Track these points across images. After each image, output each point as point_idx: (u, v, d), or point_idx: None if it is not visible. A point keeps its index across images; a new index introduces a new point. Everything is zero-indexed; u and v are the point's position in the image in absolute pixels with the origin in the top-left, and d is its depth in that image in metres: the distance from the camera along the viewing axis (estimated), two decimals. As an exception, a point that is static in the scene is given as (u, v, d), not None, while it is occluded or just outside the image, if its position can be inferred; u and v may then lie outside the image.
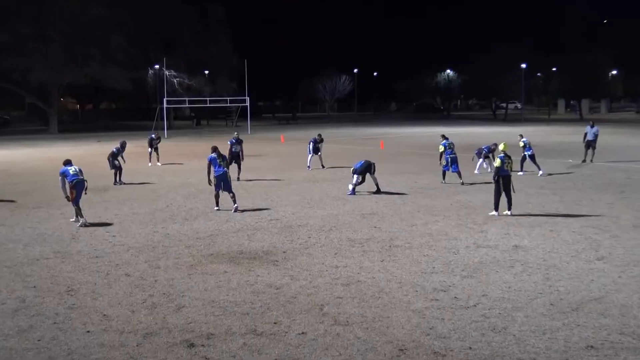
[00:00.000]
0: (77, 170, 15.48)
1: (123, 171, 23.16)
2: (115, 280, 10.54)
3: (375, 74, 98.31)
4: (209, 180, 16.99)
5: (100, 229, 14.74)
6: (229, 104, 66.04)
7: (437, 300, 9.31)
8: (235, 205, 16.67)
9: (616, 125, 59.94)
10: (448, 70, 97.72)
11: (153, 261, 11.72)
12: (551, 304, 9.05)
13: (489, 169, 23.29)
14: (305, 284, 10.21)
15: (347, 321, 8.51)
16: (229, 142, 24.51)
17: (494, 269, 10.85)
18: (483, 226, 14.37)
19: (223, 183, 16.76)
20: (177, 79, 64.42)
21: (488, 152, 24.13)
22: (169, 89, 59.99)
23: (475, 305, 9.04)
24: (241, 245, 12.86)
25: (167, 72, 61.33)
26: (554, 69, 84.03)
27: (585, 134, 27.78)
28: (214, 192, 17.06)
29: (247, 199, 18.65)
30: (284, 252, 12.29)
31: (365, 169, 19.60)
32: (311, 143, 27.25)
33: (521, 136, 25.06)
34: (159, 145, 29.83)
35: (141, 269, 11.19)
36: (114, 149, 23.24)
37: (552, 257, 11.57)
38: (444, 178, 21.34)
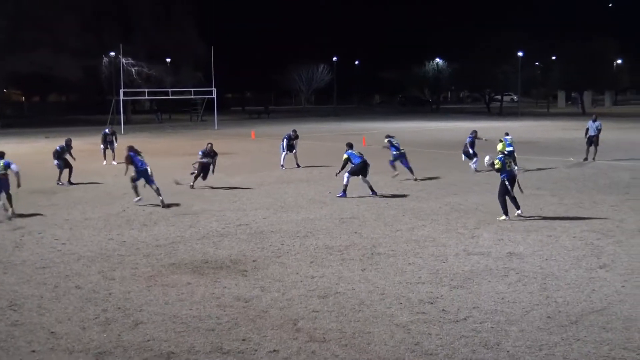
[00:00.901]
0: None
1: (73, 171, 22.98)
2: (64, 294, 10.46)
3: (357, 62, 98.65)
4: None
5: (48, 235, 14.62)
6: (193, 96, 65.80)
7: (424, 313, 9.37)
8: (161, 198, 17.93)
9: (621, 120, 60.69)
10: (437, 59, 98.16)
11: (107, 272, 11.65)
12: (548, 317, 9.14)
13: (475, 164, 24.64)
14: (277, 296, 10.21)
15: (324, 337, 8.53)
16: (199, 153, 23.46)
17: (486, 279, 10.94)
18: (474, 231, 14.48)
19: (145, 178, 18.29)
20: (136, 68, 64.07)
21: (473, 140, 25.22)
22: (126, 79, 59.61)
23: (465, 319, 9.11)
24: (206, 254, 12.83)
25: (124, 60, 60.87)
26: (553, 57, 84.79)
27: (587, 130, 28.07)
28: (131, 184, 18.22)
29: (214, 202, 18.61)
30: (254, 261, 12.28)
31: (360, 170, 19.39)
32: (285, 140, 27.24)
33: (507, 134, 25.49)
34: (114, 141, 29.64)
35: (94, 281, 11.12)
36: (58, 148, 23.16)
37: (550, 265, 11.68)
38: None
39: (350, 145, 20.26)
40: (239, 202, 18.63)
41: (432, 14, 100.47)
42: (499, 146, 16.97)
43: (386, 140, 23.69)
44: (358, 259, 12.32)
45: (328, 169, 26.06)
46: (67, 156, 23.44)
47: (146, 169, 18.22)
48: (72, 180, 22.77)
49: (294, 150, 27.28)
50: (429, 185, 21.36)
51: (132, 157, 18.43)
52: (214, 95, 59.21)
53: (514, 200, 15.64)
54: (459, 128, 51.56)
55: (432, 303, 9.78)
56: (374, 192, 19.36)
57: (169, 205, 17.83)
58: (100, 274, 11.55)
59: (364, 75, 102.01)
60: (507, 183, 15.51)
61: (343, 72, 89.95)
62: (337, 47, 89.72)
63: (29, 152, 35.72)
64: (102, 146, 29.47)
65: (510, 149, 23.50)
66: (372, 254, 12.67)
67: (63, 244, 13.84)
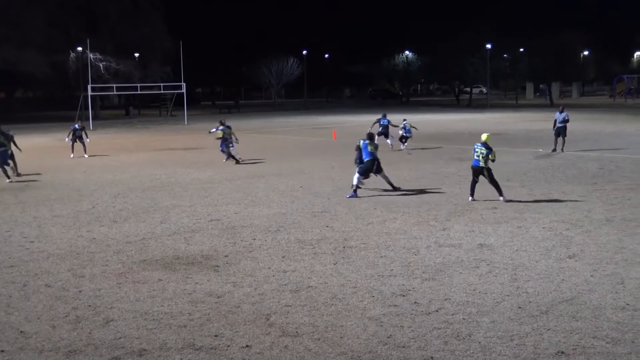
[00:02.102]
0: None
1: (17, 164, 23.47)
2: (33, 292, 10.34)
3: (326, 56, 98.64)
4: None
5: (16, 233, 14.43)
6: (162, 91, 65.32)
7: (396, 306, 9.40)
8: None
9: (589, 111, 61.40)
10: (407, 52, 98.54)
11: (77, 269, 11.53)
12: (519, 307, 9.22)
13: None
14: (249, 291, 10.18)
15: (297, 332, 8.53)
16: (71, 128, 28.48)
17: (458, 270, 11.00)
18: (445, 223, 14.56)
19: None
20: (103, 63, 63.44)
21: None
22: (94, 75, 59.02)
23: (437, 311, 9.16)
24: (177, 250, 12.76)
25: (91, 55, 60.22)
26: (521, 49, 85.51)
27: (555, 121, 28.35)
28: None
29: (184, 197, 18.51)
30: (226, 256, 12.24)
31: (369, 169, 18.42)
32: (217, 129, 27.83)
33: (404, 120, 30.85)
34: (85, 136, 29.57)
35: (63, 279, 11.00)
36: None
37: (520, 256, 11.79)
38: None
39: (370, 137, 18.88)
40: (209, 197, 18.54)
41: (401, 7, 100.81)
42: (483, 136, 17.24)
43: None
44: (330, 252, 12.32)
45: (298, 162, 26.06)
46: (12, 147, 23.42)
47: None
48: (21, 172, 23.28)
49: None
50: (400, 178, 21.41)
51: None
52: (184, 90, 58.82)
53: (495, 188, 16.85)
54: (428, 120, 51.79)
55: (404, 296, 9.81)
56: (395, 188, 18.74)
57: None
58: (70, 271, 11.43)
59: (334, 68, 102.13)
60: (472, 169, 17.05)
61: (313, 66, 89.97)
62: (306, 40, 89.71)
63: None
64: (68, 140, 29.33)
65: (407, 134, 29.77)
66: (344, 247, 12.69)
67: (32, 242, 13.68)
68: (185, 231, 14.37)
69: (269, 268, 11.38)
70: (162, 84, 62.18)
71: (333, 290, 10.12)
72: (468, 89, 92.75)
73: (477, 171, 16.87)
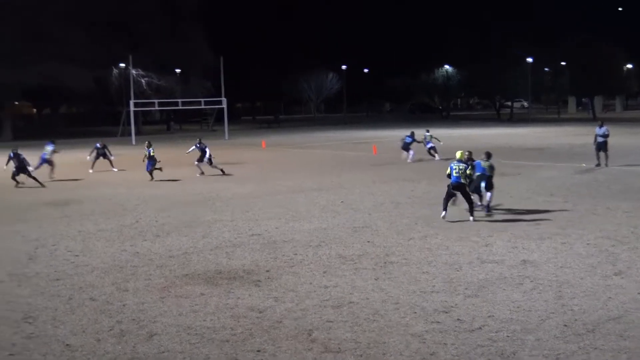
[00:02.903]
0: None
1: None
2: (78, 306, 10.48)
3: (366, 70, 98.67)
4: None
5: (61, 247, 14.66)
6: (203, 106, 65.92)
7: (439, 322, 9.33)
8: None
9: (633, 125, 60.44)
10: (446, 66, 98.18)
11: (121, 283, 11.67)
12: (565, 325, 9.09)
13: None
14: (291, 306, 10.19)
15: (339, 348, 8.51)
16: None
17: (501, 287, 10.89)
18: (488, 239, 14.43)
19: None
20: (145, 79, 64.25)
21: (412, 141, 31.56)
22: (136, 90, 59.81)
23: (480, 328, 9.07)
24: (219, 264, 12.84)
25: (133, 71, 61.11)
26: (563, 63, 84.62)
27: (596, 136, 27.95)
28: None
29: (226, 212, 18.63)
30: (267, 271, 12.28)
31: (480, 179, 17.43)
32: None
33: (427, 131, 33.31)
34: (108, 153, 30.54)
35: (107, 292, 11.14)
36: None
37: (565, 273, 11.62)
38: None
39: (488, 155, 18.04)
40: (251, 212, 18.63)
41: (440, 21, 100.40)
42: (457, 154, 17.27)
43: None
44: (371, 268, 12.29)
45: (339, 177, 26.08)
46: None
47: None
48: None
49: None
50: (438, 194, 21.27)
51: None
52: (224, 105, 59.33)
53: (469, 205, 16.63)
54: (469, 135, 51.49)
55: (446, 312, 9.74)
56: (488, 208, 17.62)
57: None
58: (114, 285, 11.57)
59: (373, 83, 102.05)
60: (451, 187, 16.72)
61: (352, 81, 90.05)
62: (346, 55, 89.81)
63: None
64: (90, 158, 30.50)
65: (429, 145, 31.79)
66: (385, 263, 12.64)
67: (76, 255, 13.88)
68: (227, 246, 14.45)
69: (311, 283, 11.39)
70: (202, 100, 62.73)
71: (375, 306, 10.08)
72: (509, 103, 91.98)
73: (458, 187, 16.66)
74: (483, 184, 17.44)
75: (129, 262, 13.17)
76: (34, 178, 25.12)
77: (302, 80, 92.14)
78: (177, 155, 35.95)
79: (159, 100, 61.18)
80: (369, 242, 14.48)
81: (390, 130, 62.91)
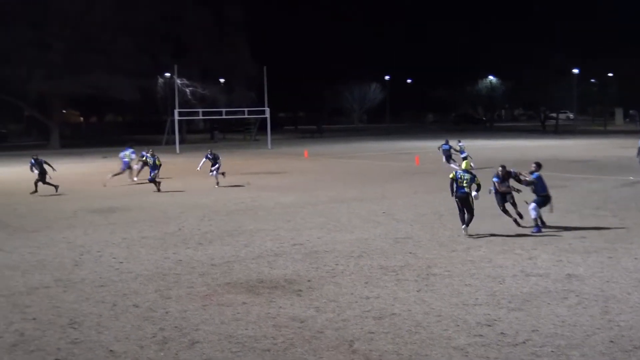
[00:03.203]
0: None
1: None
2: (122, 312, 10.61)
3: (409, 81, 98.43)
4: None
5: (106, 254, 14.87)
6: (247, 116, 66.39)
7: (481, 336, 9.24)
8: None
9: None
10: (490, 77, 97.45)
11: (164, 291, 11.79)
12: (611, 341, 8.92)
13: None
14: (332, 316, 10.19)
15: (380, 359, 8.47)
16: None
17: (545, 301, 10.74)
18: (532, 252, 14.25)
19: None
20: (190, 89, 64.93)
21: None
22: (181, 100, 60.44)
23: (524, 342, 8.95)
24: (261, 273, 12.89)
25: (178, 81, 61.84)
26: (610, 74, 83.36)
27: (639, 148, 27.48)
28: None
29: (268, 221, 18.70)
30: (309, 280, 12.29)
31: (544, 203, 16.77)
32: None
33: (459, 142, 33.44)
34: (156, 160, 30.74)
35: (151, 300, 11.26)
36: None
37: (612, 288, 11.42)
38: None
39: (539, 166, 17.32)
40: (293, 222, 18.68)
41: (485, 31, 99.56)
42: (463, 164, 17.17)
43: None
44: (413, 279, 12.23)
45: (381, 188, 26.01)
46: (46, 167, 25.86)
47: None
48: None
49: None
50: (483, 206, 21.10)
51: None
52: (267, 115, 59.68)
53: (468, 217, 16.21)
54: (513, 146, 50.99)
55: (489, 326, 9.64)
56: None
57: None
58: (157, 292, 11.69)
59: (417, 93, 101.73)
60: (456, 200, 16.36)
61: (395, 91, 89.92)
62: (389, 66, 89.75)
63: (86, 171, 36.48)
64: (137, 166, 30.46)
65: (464, 155, 31.28)
66: (428, 274, 12.56)
67: (121, 262, 14.06)
68: (269, 255, 14.50)
69: (352, 294, 11.37)
70: (246, 109, 63.17)
71: (417, 318, 10.02)
72: (554, 115, 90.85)
73: (463, 198, 16.18)
74: (534, 203, 16.74)
75: (172, 270, 13.30)
76: (49, 184, 25.59)
77: (345, 90, 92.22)
78: (223, 165, 36.19)
79: (203, 110, 61.80)
80: (411, 253, 14.42)
81: (433, 141, 62.48)
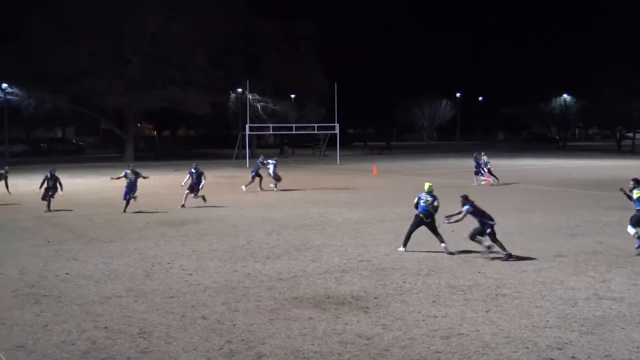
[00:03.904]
0: None
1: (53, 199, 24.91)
2: (190, 323, 10.76)
3: (480, 98, 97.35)
4: None
5: (176, 266, 15.12)
6: (316, 131, 66.70)
7: (552, 359, 9.02)
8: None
9: None
10: (564, 95, 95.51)
11: (232, 303, 11.90)
12: (689, 369, 8.61)
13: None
14: (399, 334, 10.11)
15: (447, 379, 8.36)
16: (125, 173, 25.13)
17: (619, 325, 10.43)
18: (605, 274, 13.88)
19: None
20: (261, 104, 65.64)
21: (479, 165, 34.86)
22: (252, 115, 61.12)
23: (596, 367, 8.71)
24: (328, 289, 12.90)
25: (250, 96, 62.58)
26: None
27: None
28: None
29: (336, 237, 18.72)
30: (376, 297, 12.23)
31: None
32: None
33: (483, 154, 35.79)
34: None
35: (219, 312, 11.38)
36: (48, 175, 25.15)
37: (690, 314, 11.03)
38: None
39: (637, 182, 16.60)
40: (360, 238, 18.65)
41: (558, 49, 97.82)
42: (425, 186, 17.30)
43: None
44: (482, 299, 12.05)
45: (450, 206, 25.70)
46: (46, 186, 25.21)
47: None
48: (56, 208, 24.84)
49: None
50: (556, 225, 20.68)
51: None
52: (337, 131, 59.84)
53: (437, 237, 16.46)
54: (588, 166, 49.87)
55: (560, 349, 9.41)
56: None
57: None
58: (225, 305, 11.81)
59: (488, 111, 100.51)
60: (421, 216, 16.53)
61: (466, 108, 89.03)
62: (460, 83, 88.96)
63: (159, 184, 37.20)
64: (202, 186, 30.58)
65: (488, 167, 34.58)
66: (497, 295, 12.36)
67: (190, 274, 14.27)
68: (336, 271, 14.50)
69: (419, 312, 11.27)
70: (316, 125, 63.49)
71: (485, 339, 9.86)
72: (631, 134, 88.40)
73: (427, 215, 16.58)
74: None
75: (240, 283, 13.43)
76: (46, 199, 24.77)
77: (415, 107, 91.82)
78: (292, 180, 36.50)
79: (274, 125, 62.36)
80: (480, 272, 14.21)
81: (504, 159, 61.70)
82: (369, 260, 15.53)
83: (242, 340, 9.93)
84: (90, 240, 18.65)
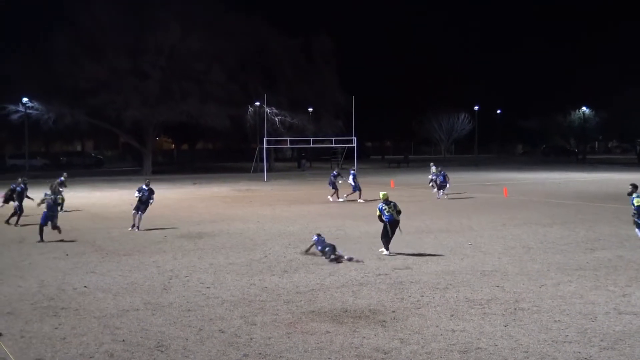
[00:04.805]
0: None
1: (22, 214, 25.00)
2: (208, 337, 10.76)
3: (498, 111, 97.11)
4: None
5: (194, 279, 15.14)
6: (334, 145, 66.77)
7: (571, 374, 8.94)
8: None
9: None
10: (583, 108, 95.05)
11: (249, 317, 11.90)
12: None
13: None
14: (417, 349, 10.06)
15: (465, 394, 8.30)
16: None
17: (640, 341, 10.33)
18: (626, 289, 13.75)
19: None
20: (279, 117, 65.86)
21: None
22: (270, 128, 61.32)
23: (616, 383, 8.62)
24: (345, 303, 12.86)
25: (267, 110, 62.81)
26: None
27: None
28: None
29: (353, 251, 18.68)
30: (393, 311, 12.19)
31: None
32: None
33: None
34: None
35: (236, 325, 11.38)
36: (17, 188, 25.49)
37: None
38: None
39: (635, 187, 17.00)
40: (377, 251, 18.59)
41: (577, 62, 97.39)
42: (381, 194, 18.76)
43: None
44: (500, 313, 11.96)
45: (467, 219, 25.65)
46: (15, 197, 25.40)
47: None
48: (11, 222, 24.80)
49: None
50: (575, 239, 20.54)
51: None
52: (354, 144, 59.88)
53: (388, 241, 17.93)
54: (606, 179, 49.52)
55: (580, 364, 9.32)
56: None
57: None
58: (242, 318, 11.81)
59: (506, 124, 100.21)
60: (388, 227, 17.91)
61: (484, 121, 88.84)
62: (478, 96, 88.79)
63: (177, 197, 37.34)
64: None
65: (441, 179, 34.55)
66: (515, 309, 12.27)
67: (208, 287, 14.29)
68: (354, 284, 14.47)
69: (437, 326, 11.21)
70: (333, 138, 63.59)
71: (503, 354, 9.79)
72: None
73: (394, 224, 17.99)
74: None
75: (258, 297, 13.42)
76: (19, 215, 24.87)
77: (432, 120, 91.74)
78: (309, 193, 36.58)
79: (291, 138, 62.53)
80: (498, 286, 14.12)
81: (522, 172, 61.44)
82: (386, 274, 15.48)
83: (260, 354, 9.91)
84: (108, 254, 18.74)
